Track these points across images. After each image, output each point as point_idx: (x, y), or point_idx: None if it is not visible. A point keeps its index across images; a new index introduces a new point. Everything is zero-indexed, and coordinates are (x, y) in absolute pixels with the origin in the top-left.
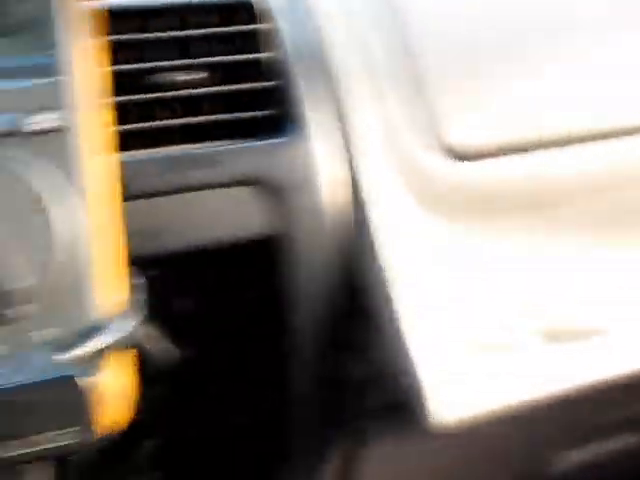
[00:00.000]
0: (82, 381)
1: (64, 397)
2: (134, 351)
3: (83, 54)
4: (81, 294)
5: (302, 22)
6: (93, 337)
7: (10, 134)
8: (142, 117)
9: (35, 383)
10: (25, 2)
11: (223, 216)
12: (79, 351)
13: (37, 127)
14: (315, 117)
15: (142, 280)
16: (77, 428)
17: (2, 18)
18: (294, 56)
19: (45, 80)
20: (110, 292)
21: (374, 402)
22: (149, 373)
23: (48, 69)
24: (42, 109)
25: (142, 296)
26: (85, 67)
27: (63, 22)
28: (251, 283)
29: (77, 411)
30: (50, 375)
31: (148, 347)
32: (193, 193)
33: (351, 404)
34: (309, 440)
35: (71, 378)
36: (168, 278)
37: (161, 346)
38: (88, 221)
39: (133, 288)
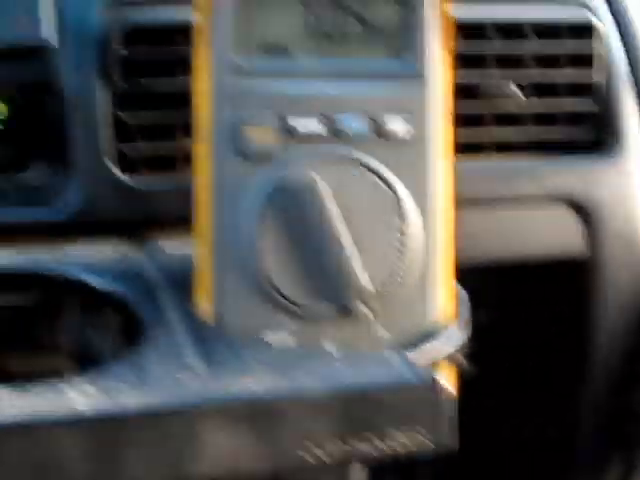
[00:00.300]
0: (439, 383)
1: (417, 398)
2: (457, 364)
3: (441, 62)
4: (419, 299)
5: (629, 44)
6: (429, 343)
7: (368, 137)
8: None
9: (391, 383)
10: (386, 7)
11: (536, 232)
12: (417, 355)
13: (393, 131)
14: (635, 142)
15: (465, 292)
16: (428, 430)
17: (362, 23)
18: (622, 79)
19: (402, 83)
20: (443, 301)
21: None
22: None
23: (406, 72)
24: (398, 113)
25: (468, 309)
26: (442, 75)
27: (425, 29)
28: (556, 300)
29: (432, 413)
30: (405, 375)
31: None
32: (508, 206)
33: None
34: (593, 457)
35: (429, 380)
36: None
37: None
38: (434, 228)
39: (459, 300)
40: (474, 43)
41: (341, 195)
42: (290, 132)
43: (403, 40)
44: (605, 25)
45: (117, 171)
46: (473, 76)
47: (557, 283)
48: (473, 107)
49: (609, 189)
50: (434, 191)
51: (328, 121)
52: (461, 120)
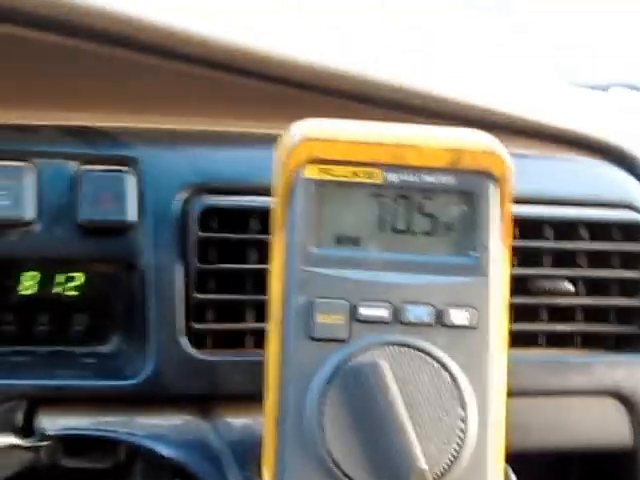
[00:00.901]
0: None
1: None
2: None
3: (502, 259)
4: None
5: None
6: None
7: (431, 326)
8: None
9: None
10: (454, 207)
11: (583, 422)
12: None
13: (455, 322)
14: None
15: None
16: None
17: (433, 220)
18: None
19: (465, 279)
20: None
21: None
22: None
23: (469, 268)
24: (461, 305)
25: None
26: (502, 271)
27: (489, 228)
28: None
29: None
30: None
31: None
32: (558, 397)
33: None
34: None
35: None
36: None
37: None
38: (490, 416)
39: None
40: (532, 240)
41: (404, 379)
42: (358, 319)
43: (468, 238)
44: None
45: (189, 347)
46: (530, 271)
47: (604, 474)
48: (529, 301)
49: None
50: (492, 380)
51: (395, 310)
52: (517, 313)
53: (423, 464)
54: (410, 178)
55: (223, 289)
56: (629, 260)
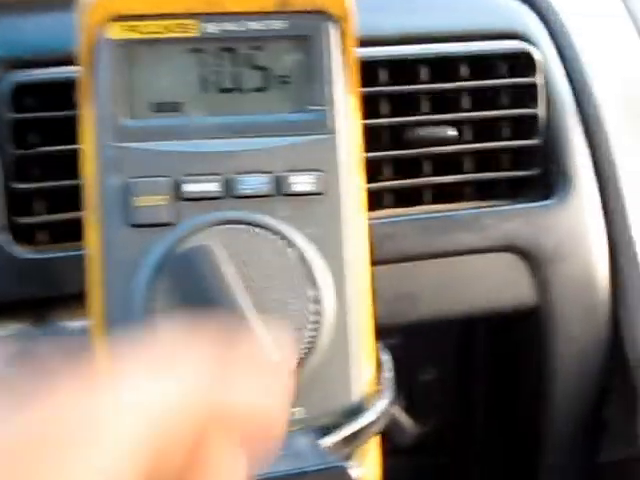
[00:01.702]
0: (352, 472)
1: None
2: (381, 432)
3: (350, 112)
4: (339, 375)
5: (574, 74)
6: (353, 420)
7: (271, 197)
8: (393, 174)
9: (305, 472)
10: (288, 57)
11: (481, 284)
12: (340, 436)
13: (298, 189)
14: (583, 180)
15: (389, 356)
16: None
17: (264, 73)
18: (568, 112)
19: (307, 138)
20: (364, 368)
21: None
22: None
23: (311, 126)
24: (304, 170)
25: (391, 373)
26: (351, 125)
27: (329, 74)
28: (507, 353)
29: None
30: (319, 463)
31: (393, 426)
32: (445, 258)
33: None
34: None
35: (342, 469)
36: (413, 347)
37: (403, 422)
38: (347, 289)
39: (382, 364)
40: (405, 85)
41: (242, 262)
42: (184, 197)
43: (307, 91)
44: (546, 55)
45: (11, 245)
46: (406, 120)
47: (508, 335)
48: (408, 153)
49: (558, 233)
50: (348, 252)
51: (226, 182)
52: (396, 168)
53: (274, 357)
54: (232, 27)
55: (53, 176)
56: (519, 96)
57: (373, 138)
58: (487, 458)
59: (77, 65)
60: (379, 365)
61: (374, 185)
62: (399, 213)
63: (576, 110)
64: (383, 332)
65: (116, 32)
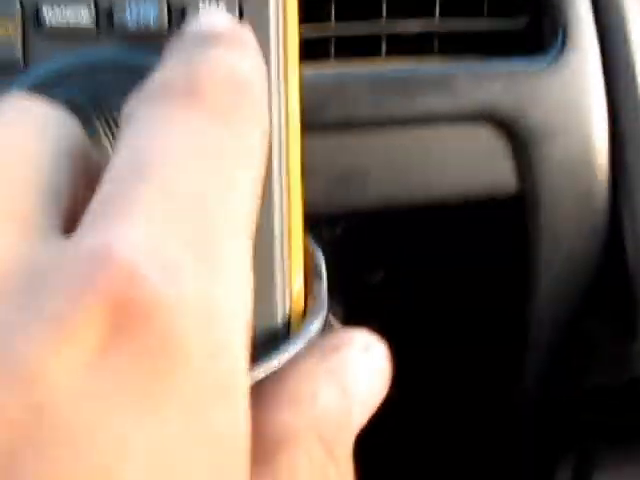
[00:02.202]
0: None
1: None
2: None
3: None
4: (258, 280)
5: None
6: (277, 350)
7: (162, 33)
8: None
9: None
10: None
11: (445, 161)
12: (265, 366)
13: (203, 22)
14: (584, 32)
15: (322, 261)
16: None
17: None
18: None
19: None
20: (293, 278)
21: (612, 417)
22: None
23: None
24: None
25: (324, 285)
26: None
27: None
28: (486, 245)
29: None
30: None
31: None
32: (405, 128)
33: (583, 416)
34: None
35: None
36: (357, 240)
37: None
38: (271, 166)
39: (314, 268)
40: None
41: (110, 116)
42: (42, 27)
43: None
44: None
45: None
46: None
47: (479, 228)
48: None
49: (549, 101)
50: (273, 114)
51: (103, 10)
52: (342, 7)
53: None
54: None
55: None
56: None
57: None
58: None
59: None
60: (310, 270)
61: (314, 29)
62: (346, 67)
63: None
64: (319, 222)
65: None
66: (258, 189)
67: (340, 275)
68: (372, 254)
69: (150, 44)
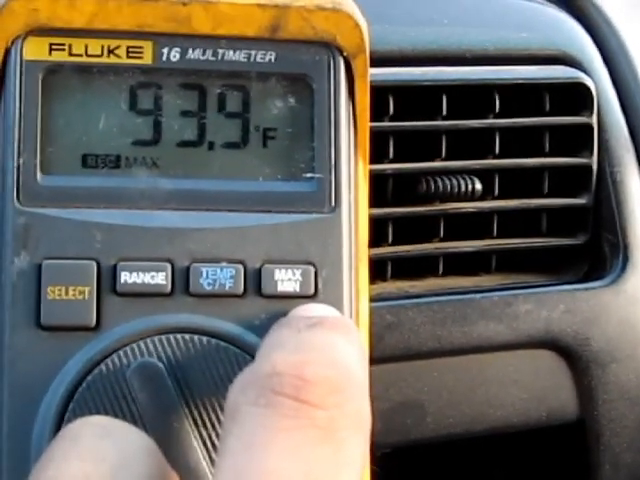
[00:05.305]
0: None
1: None
2: None
3: (357, 178)
4: None
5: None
6: None
7: (240, 295)
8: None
9: None
10: (274, 100)
11: (505, 392)
12: None
13: (280, 289)
14: None
15: None
16: None
17: (242, 124)
18: (620, 163)
19: (297, 217)
20: None
21: None
22: None
23: (304, 200)
24: (288, 260)
25: None
26: (356, 201)
27: (330, 129)
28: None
29: None
30: None
31: None
32: (466, 357)
33: None
34: None
35: None
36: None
37: None
38: None
39: None
40: (419, 120)
41: (195, 393)
42: (115, 291)
43: (300, 151)
44: (601, 87)
45: None
46: (417, 166)
47: (538, 456)
48: (417, 210)
49: (611, 324)
50: None
51: (179, 272)
52: (401, 231)
53: None
54: (201, 56)
55: None
56: (568, 141)
57: (374, 189)
58: None
59: None
60: None
61: (372, 251)
62: (403, 288)
63: (637, 163)
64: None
65: (34, 50)
66: None
67: None
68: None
69: (224, 307)
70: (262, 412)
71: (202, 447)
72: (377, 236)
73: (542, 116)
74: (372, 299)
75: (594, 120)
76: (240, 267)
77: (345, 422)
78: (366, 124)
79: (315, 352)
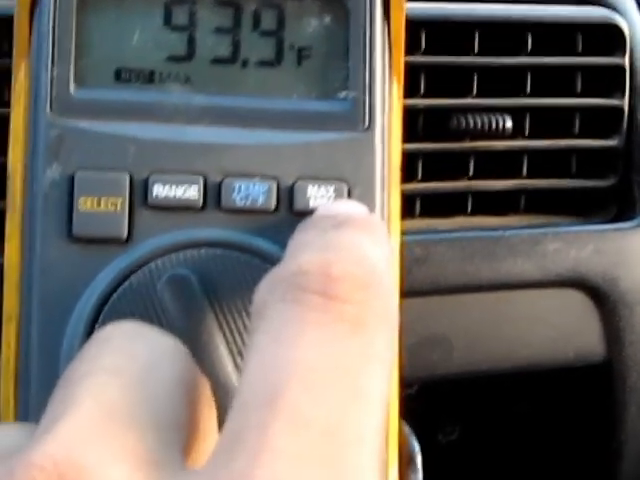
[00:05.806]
0: None
1: None
2: None
3: (390, 99)
4: None
5: None
6: None
7: (272, 211)
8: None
9: None
10: (308, 19)
11: (532, 329)
12: None
13: (312, 204)
14: None
15: (417, 449)
16: None
17: (277, 42)
18: None
19: (331, 135)
20: (388, 472)
21: None
22: None
23: (338, 119)
24: (321, 177)
25: (419, 476)
26: (391, 120)
27: (365, 49)
28: (558, 416)
29: None
30: None
31: None
32: (492, 292)
33: None
34: None
35: None
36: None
37: None
38: None
39: (408, 459)
40: (450, 56)
41: (225, 307)
42: (148, 203)
43: (335, 71)
44: (635, 28)
45: None
46: (449, 102)
47: (562, 394)
48: (448, 147)
49: (638, 266)
50: None
51: (211, 187)
52: (431, 167)
53: None
54: None
55: None
56: (600, 82)
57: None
58: None
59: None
60: (405, 458)
61: (402, 187)
62: (431, 225)
63: None
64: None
65: None
66: (386, 396)
67: (415, 434)
68: (448, 413)
69: (255, 222)
70: (289, 307)
71: (232, 359)
72: (407, 172)
73: (574, 56)
74: (401, 233)
75: (626, 62)
76: (273, 183)
77: (373, 318)
78: (401, 45)
79: (341, 251)
